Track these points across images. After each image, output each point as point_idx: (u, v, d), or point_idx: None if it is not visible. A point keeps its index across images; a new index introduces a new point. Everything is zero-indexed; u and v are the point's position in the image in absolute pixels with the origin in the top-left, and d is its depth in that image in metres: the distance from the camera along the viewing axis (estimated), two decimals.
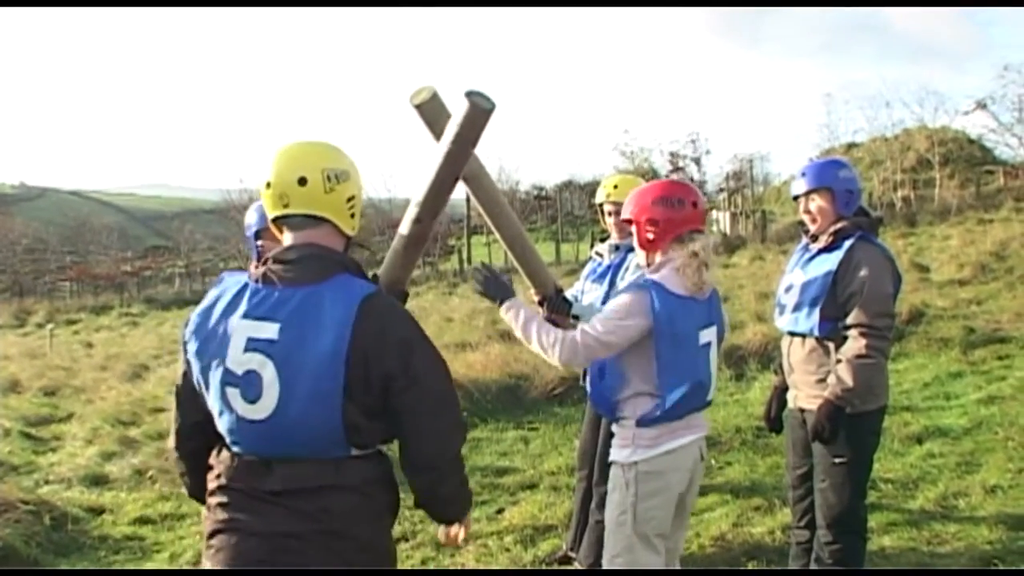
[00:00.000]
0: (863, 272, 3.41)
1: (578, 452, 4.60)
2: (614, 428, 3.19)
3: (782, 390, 3.90)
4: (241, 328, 2.06)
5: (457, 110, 2.39)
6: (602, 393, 3.17)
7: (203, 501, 2.23)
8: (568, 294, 3.85)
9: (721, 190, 38.94)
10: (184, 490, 2.46)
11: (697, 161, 41.71)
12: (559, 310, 3.61)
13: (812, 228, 3.65)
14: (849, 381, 3.36)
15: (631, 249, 3.56)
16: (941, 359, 8.62)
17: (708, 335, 3.11)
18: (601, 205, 4.45)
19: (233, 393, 2.06)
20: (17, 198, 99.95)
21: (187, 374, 2.20)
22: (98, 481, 6.48)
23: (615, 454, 3.13)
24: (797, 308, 3.61)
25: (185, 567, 4.87)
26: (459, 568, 4.63)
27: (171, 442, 2.36)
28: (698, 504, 5.21)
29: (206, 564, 2.15)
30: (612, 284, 4.06)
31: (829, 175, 3.58)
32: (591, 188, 34.56)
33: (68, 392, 10.90)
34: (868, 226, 3.57)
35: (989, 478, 5.26)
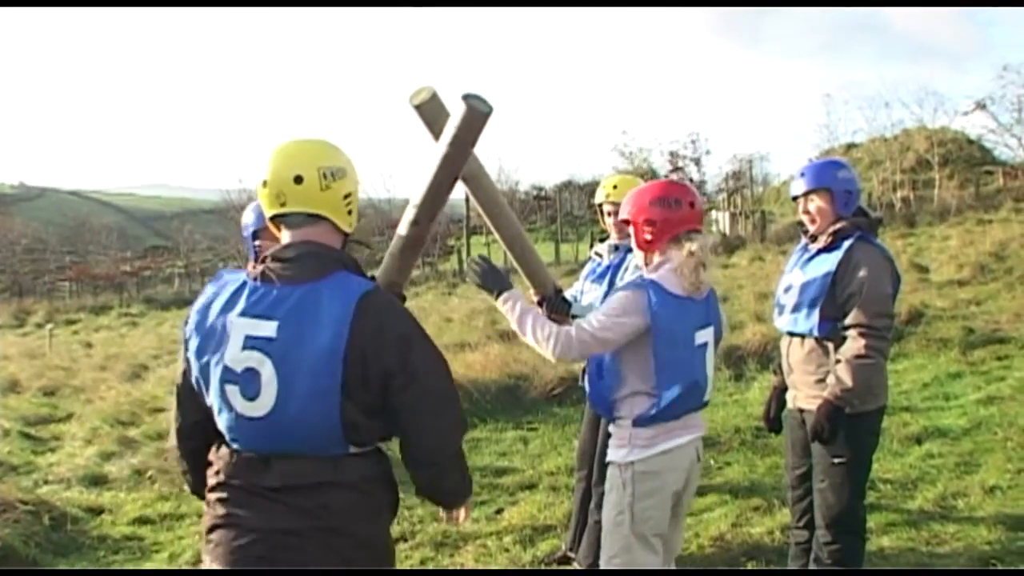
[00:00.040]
0: (862, 272, 3.41)
1: (577, 452, 4.60)
2: (611, 428, 3.19)
3: (781, 390, 3.90)
4: (239, 326, 2.07)
5: (454, 113, 2.39)
6: (600, 392, 3.17)
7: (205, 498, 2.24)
8: (567, 294, 3.85)
9: (721, 190, 38.93)
10: (186, 488, 2.48)
11: (697, 161, 41.71)
12: (558, 310, 3.61)
13: (811, 228, 3.65)
14: (848, 381, 3.36)
15: (630, 249, 3.56)
16: (940, 359, 8.62)
17: (705, 335, 3.11)
18: (600, 205, 4.45)
19: (232, 390, 2.07)
20: (16, 198, 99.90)
21: (187, 372, 2.20)
22: (97, 481, 6.48)
23: (612, 454, 3.13)
24: (796, 308, 3.61)
25: (184, 567, 4.87)
26: (458, 568, 4.63)
27: (172, 440, 2.37)
28: (697, 504, 5.22)
29: (205, 559, 2.16)
30: (611, 284, 4.06)
31: (828, 176, 3.58)
32: (590, 188, 34.55)
33: (67, 392, 10.90)
34: (867, 226, 3.57)
35: (988, 478, 5.27)
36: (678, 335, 2.99)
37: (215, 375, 2.10)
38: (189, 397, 2.22)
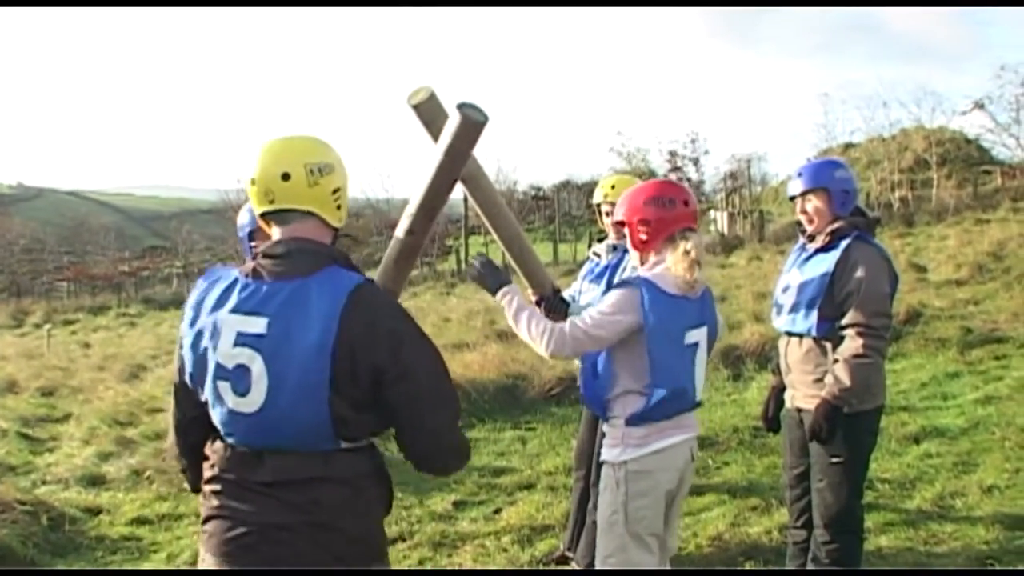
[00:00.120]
0: (860, 272, 3.42)
1: (575, 452, 4.60)
2: (604, 427, 3.20)
3: (779, 390, 3.91)
4: (230, 322, 2.08)
5: (449, 123, 2.39)
6: (594, 391, 3.18)
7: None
8: (565, 294, 3.86)
9: (719, 190, 38.94)
10: (186, 487, 2.50)
11: (695, 161, 41.73)
12: (556, 310, 3.61)
13: (809, 228, 3.66)
14: (846, 381, 3.37)
15: (628, 249, 3.56)
16: (938, 359, 8.62)
17: (696, 335, 3.11)
18: (599, 205, 4.46)
19: (224, 386, 2.08)
20: (15, 198, 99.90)
21: (182, 368, 2.22)
22: (95, 481, 6.47)
23: (605, 453, 3.14)
24: (794, 308, 3.62)
25: (182, 567, 4.86)
26: (456, 568, 4.63)
27: (171, 437, 2.38)
28: (695, 504, 5.22)
29: (200, 549, 2.19)
30: (610, 284, 4.06)
31: (825, 175, 3.59)
32: (589, 188, 34.56)
33: (65, 392, 10.88)
34: (865, 226, 3.58)
35: (986, 478, 5.27)
36: (670, 334, 3.00)
37: (208, 371, 2.11)
38: (186, 393, 2.24)
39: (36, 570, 4.84)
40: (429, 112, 2.94)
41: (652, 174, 36.01)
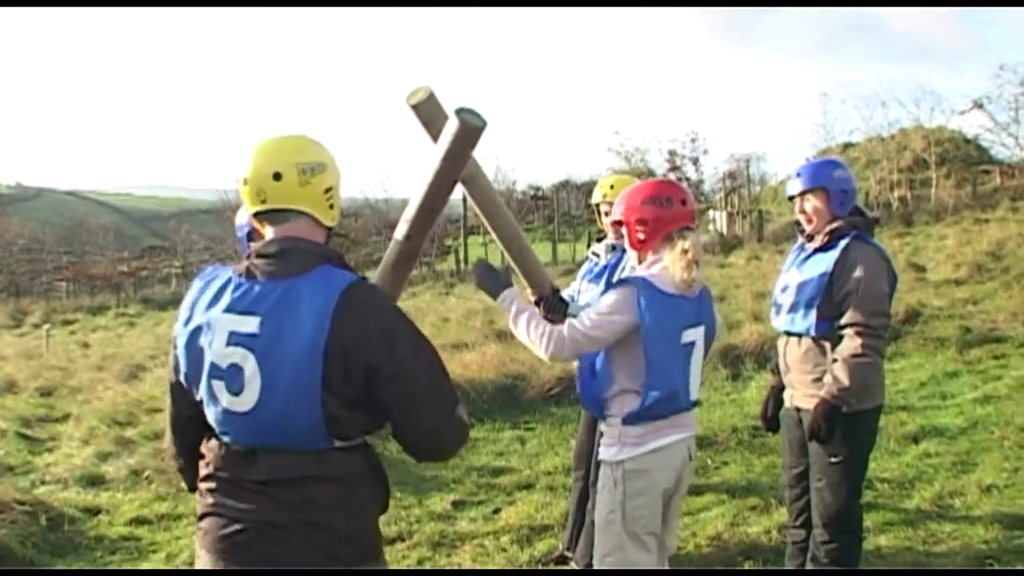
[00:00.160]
0: (858, 272, 3.42)
1: (574, 452, 4.60)
2: (602, 427, 3.21)
3: (779, 389, 3.91)
4: (224, 322, 2.09)
5: (447, 128, 2.38)
6: (591, 391, 3.18)
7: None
8: (564, 294, 3.85)
9: (718, 190, 38.95)
10: (183, 486, 2.50)
11: (695, 161, 41.73)
12: (555, 310, 3.61)
13: (808, 228, 3.66)
14: (845, 380, 3.37)
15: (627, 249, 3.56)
16: (937, 359, 8.63)
17: (693, 335, 3.11)
18: (597, 205, 4.46)
19: (218, 385, 2.09)
20: (13, 198, 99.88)
21: (177, 367, 2.23)
22: (94, 481, 6.47)
23: (603, 453, 3.15)
24: (793, 308, 3.62)
25: (181, 567, 4.86)
26: (455, 568, 4.63)
27: (167, 436, 2.38)
28: (694, 503, 5.23)
29: (196, 545, 2.19)
30: (608, 284, 4.06)
31: (824, 175, 3.59)
32: (588, 188, 34.56)
33: (64, 392, 10.87)
34: (864, 226, 3.58)
35: (985, 477, 5.27)
36: (666, 333, 3.00)
37: (203, 370, 2.12)
38: (181, 392, 2.25)
39: (35, 570, 4.83)
40: (428, 112, 2.94)
41: (651, 174, 36.01)
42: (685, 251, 3.02)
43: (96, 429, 7.96)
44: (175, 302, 27.51)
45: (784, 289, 3.72)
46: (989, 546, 4.38)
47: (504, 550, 4.75)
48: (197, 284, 2.23)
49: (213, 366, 2.09)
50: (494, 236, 3.40)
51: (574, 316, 3.54)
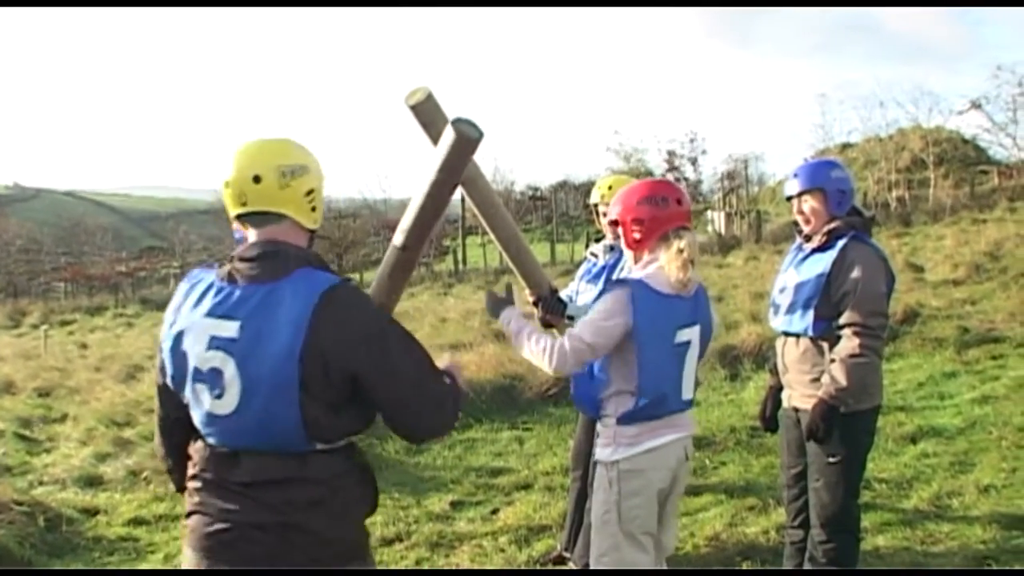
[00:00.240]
0: (856, 272, 3.42)
1: (572, 452, 4.60)
2: (598, 427, 3.21)
3: (777, 390, 3.91)
4: (205, 326, 2.10)
5: (443, 139, 2.37)
6: (587, 391, 3.19)
7: None
8: (563, 294, 3.85)
9: (717, 189, 39.00)
10: (172, 487, 2.50)
11: (693, 161, 41.80)
12: (554, 311, 3.61)
13: (805, 229, 3.66)
14: (843, 380, 3.37)
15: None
16: (935, 359, 8.63)
17: (688, 334, 3.11)
18: (596, 206, 4.46)
19: (201, 389, 2.11)
20: (11, 199, 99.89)
21: (163, 370, 2.24)
22: (92, 482, 6.47)
23: (598, 453, 3.15)
24: (791, 308, 3.62)
25: (180, 568, 4.86)
26: (454, 568, 4.63)
27: (156, 438, 2.41)
28: (692, 504, 5.23)
29: (183, 544, 2.22)
30: (607, 285, 4.07)
31: (821, 176, 3.59)
32: (586, 188, 34.58)
33: (62, 393, 10.87)
34: (861, 226, 3.58)
35: (983, 478, 5.28)
36: (660, 333, 3.01)
37: (187, 374, 2.14)
38: (168, 394, 2.27)
39: (33, 570, 4.83)
40: (427, 113, 2.94)
41: (650, 174, 36.04)
42: (681, 251, 3.02)
43: (94, 430, 7.97)
44: None
45: (782, 289, 3.72)
46: (987, 546, 4.38)
47: (502, 550, 4.75)
48: (182, 288, 2.24)
49: (196, 370, 2.11)
50: (492, 237, 3.39)
51: (572, 317, 3.55)
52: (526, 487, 5.88)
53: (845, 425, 3.45)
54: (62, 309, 29.70)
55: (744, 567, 4.39)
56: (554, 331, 3.84)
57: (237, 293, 2.10)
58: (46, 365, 13.61)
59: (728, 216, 31.38)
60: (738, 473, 5.81)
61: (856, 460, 3.58)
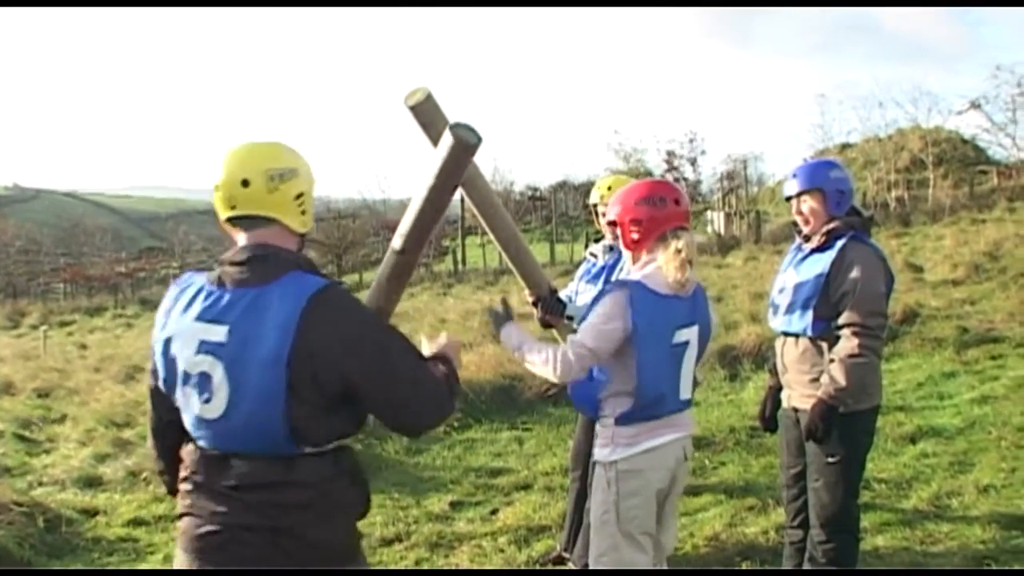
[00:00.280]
0: (855, 272, 3.42)
1: (572, 452, 4.60)
2: (597, 427, 3.21)
3: (776, 390, 3.90)
4: (194, 330, 2.11)
5: (441, 144, 2.37)
6: (585, 392, 3.19)
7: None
8: (562, 294, 3.85)
9: (717, 189, 39.02)
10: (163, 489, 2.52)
11: (692, 161, 41.80)
12: (553, 311, 3.62)
13: (805, 229, 3.66)
14: (842, 380, 3.37)
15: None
16: (935, 359, 8.62)
17: (686, 334, 3.10)
18: (595, 206, 4.46)
19: (191, 392, 2.12)
20: (11, 199, 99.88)
21: (155, 373, 2.25)
22: (92, 483, 6.47)
23: (597, 453, 3.16)
24: (790, 308, 3.62)
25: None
26: (453, 568, 4.63)
27: (149, 440, 2.44)
28: (692, 504, 5.23)
29: (176, 545, 2.23)
30: (605, 287, 4.07)
31: (820, 176, 3.59)
32: (585, 188, 34.57)
33: (62, 394, 10.88)
34: (860, 226, 3.58)
35: (982, 478, 5.27)
36: (658, 334, 3.01)
37: (177, 377, 2.15)
38: (160, 398, 2.28)
39: (33, 571, 4.83)
40: (426, 113, 2.94)
41: (649, 174, 36.06)
42: (679, 251, 3.02)
43: (94, 430, 7.97)
44: None
45: (781, 290, 3.72)
46: (986, 546, 4.38)
47: (502, 551, 4.75)
48: (173, 291, 2.25)
49: (185, 374, 2.12)
50: (492, 237, 3.40)
51: (571, 317, 3.55)
52: (525, 487, 5.88)
53: (844, 425, 3.45)
54: (61, 310, 29.72)
55: (743, 567, 4.39)
56: (554, 331, 3.84)
57: (226, 297, 2.10)
58: (45, 366, 13.62)
59: (727, 216, 31.40)
60: (737, 473, 5.81)
61: (855, 460, 3.58)
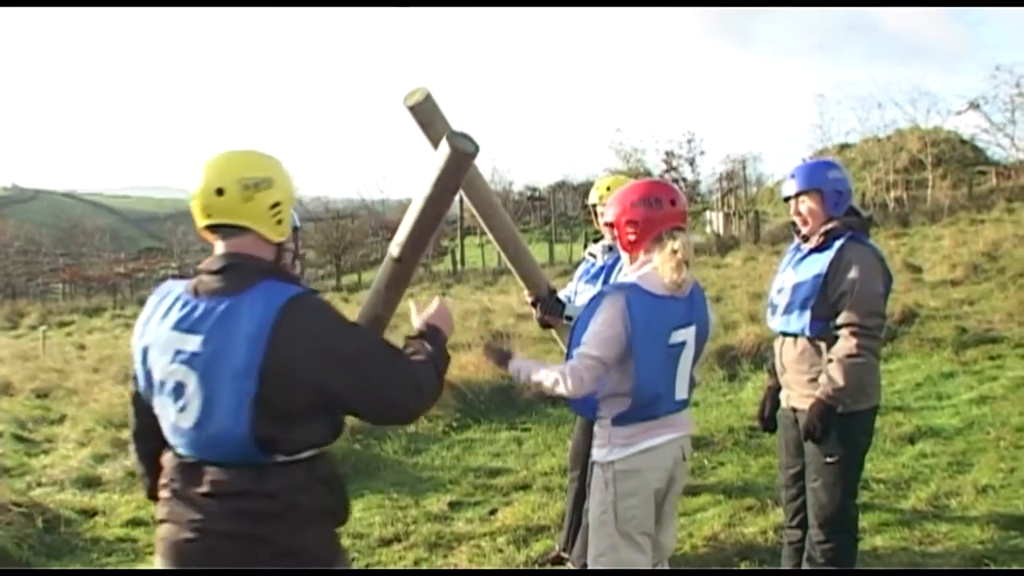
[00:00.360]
0: (853, 272, 3.42)
1: (571, 452, 4.60)
2: (594, 428, 3.21)
3: (775, 390, 3.90)
4: (170, 340, 2.12)
5: (439, 153, 2.37)
6: None
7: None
8: (561, 295, 3.86)
9: (716, 190, 39.05)
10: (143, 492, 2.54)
11: (691, 161, 41.83)
12: (552, 311, 3.62)
13: (803, 229, 3.66)
14: (840, 380, 3.37)
15: None
16: (933, 359, 8.63)
17: (683, 335, 3.10)
18: (594, 206, 4.46)
19: (167, 401, 2.13)
20: (9, 200, 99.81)
21: (136, 379, 2.28)
22: (91, 483, 6.47)
23: (595, 454, 3.16)
24: (788, 309, 3.62)
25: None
26: (452, 568, 4.63)
27: (131, 444, 2.46)
28: (691, 504, 5.23)
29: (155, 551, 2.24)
30: (601, 291, 4.07)
31: (818, 177, 3.59)
32: (584, 189, 34.61)
33: (61, 394, 10.87)
34: (859, 226, 3.58)
35: (981, 478, 5.27)
36: (655, 336, 3.00)
37: (154, 385, 2.17)
38: (140, 403, 2.31)
39: (32, 571, 4.83)
40: (425, 113, 2.94)
41: (648, 174, 36.08)
42: (675, 251, 3.02)
43: (92, 431, 7.97)
44: None
45: (780, 290, 3.72)
46: (985, 546, 4.38)
47: (501, 551, 4.75)
48: (153, 299, 2.25)
49: (161, 382, 2.13)
50: (491, 237, 3.40)
51: (570, 317, 3.55)
52: (524, 487, 5.88)
53: (843, 425, 3.45)
54: (60, 310, 29.74)
55: (742, 567, 4.39)
56: (553, 331, 3.85)
57: (201, 307, 2.11)
58: (44, 366, 13.62)
59: (726, 216, 31.42)
60: (736, 473, 5.81)
61: (854, 460, 3.58)
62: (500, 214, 3.37)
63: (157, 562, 2.20)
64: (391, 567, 4.71)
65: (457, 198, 2.77)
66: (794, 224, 3.75)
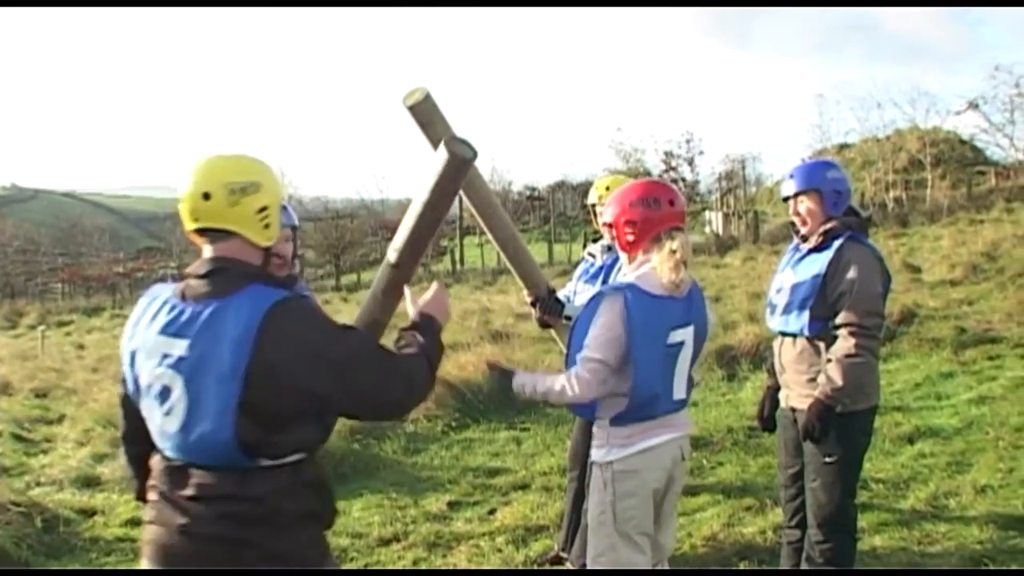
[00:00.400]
0: (852, 272, 3.42)
1: (570, 452, 4.60)
2: (593, 428, 3.21)
3: (775, 390, 3.90)
4: (157, 344, 2.12)
5: (436, 159, 2.36)
6: None
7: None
8: (560, 295, 3.86)
9: (715, 189, 39.06)
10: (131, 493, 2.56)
11: (690, 161, 41.83)
12: (551, 311, 3.62)
13: (802, 229, 3.66)
14: (838, 380, 3.37)
15: None
16: (932, 359, 8.63)
17: (681, 335, 3.10)
18: (593, 206, 4.46)
19: (153, 404, 2.14)
20: (9, 199, 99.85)
21: (125, 382, 2.30)
22: (90, 483, 6.48)
23: (593, 454, 3.16)
24: (787, 308, 3.62)
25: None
26: (451, 568, 4.63)
27: (120, 447, 2.49)
28: (690, 504, 5.23)
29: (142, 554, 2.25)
30: (599, 291, 4.07)
31: (817, 177, 3.59)
32: (584, 189, 34.62)
33: (60, 394, 10.88)
34: (858, 226, 3.58)
35: (980, 478, 5.27)
36: (653, 336, 3.00)
37: (141, 389, 2.18)
38: (129, 406, 2.34)
39: (31, 571, 4.83)
40: (425, 113, 2.94)
41: (648, 174, 36.08)
42: (673, 251, 3.02)
43: (91, 430, 7.97)
44: None
45: (779, 290, 3.72)
46: (984, 546, 4.38)
47: (500, 551, 4.75)
48: (142, 303, 2.25)
49: (148, 386, 2.14)
50: (490, 237, 3.40)
51: (569, 317, 3.55)
52: (523, 487, 5.88)
53: (842, 425, 3.45)
54: (59, 310, 29.74)
55: (741, 567, 4.39)
56: (552, 331, 3.85)
57: (187, 311, 2.11)
58: (43, 366, 13.63)
59: (726, 216, 31.44)
60: (735, 473, 5.81)
61: (853, 460, 3.58)
62: (499, 214, 3.37)
63: (144, 564, 2.20)
64: (390, 567, 4.71)
65: (457, 198, 2.76)
66: (793, 224, 3.74)
